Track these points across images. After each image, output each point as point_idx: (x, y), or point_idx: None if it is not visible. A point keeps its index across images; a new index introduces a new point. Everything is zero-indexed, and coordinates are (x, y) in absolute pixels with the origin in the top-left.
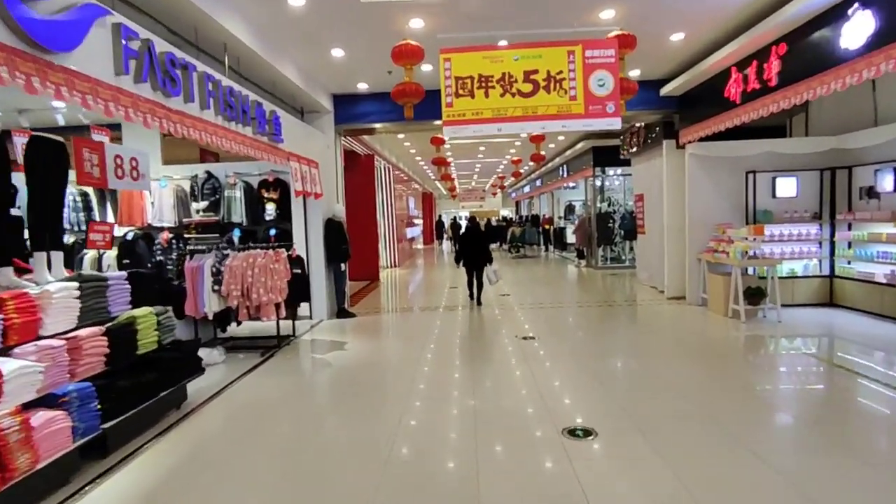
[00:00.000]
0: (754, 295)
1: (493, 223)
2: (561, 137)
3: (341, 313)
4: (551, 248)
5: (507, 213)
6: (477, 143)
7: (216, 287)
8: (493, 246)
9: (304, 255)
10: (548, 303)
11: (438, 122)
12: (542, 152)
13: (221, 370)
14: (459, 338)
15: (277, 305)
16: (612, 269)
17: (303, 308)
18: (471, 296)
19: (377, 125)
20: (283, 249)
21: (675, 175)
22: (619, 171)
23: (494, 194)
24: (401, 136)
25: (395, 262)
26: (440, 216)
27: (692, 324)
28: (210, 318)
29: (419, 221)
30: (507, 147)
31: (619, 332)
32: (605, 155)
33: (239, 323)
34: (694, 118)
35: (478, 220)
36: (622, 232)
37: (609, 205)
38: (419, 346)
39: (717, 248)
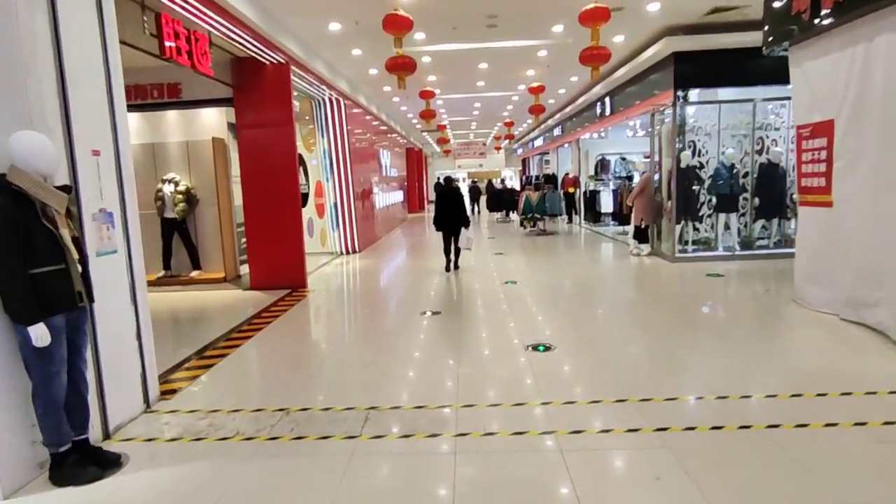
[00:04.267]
0: None
1: (498, 187)
2: (618, 38)
3: (70, 473)
4: (578, 219)
5: (511, 174)
6: (476, 57)
7: None
8: (497, 216)
9: None
10: (669, 404)
11: None
12: (601, 44)
13: None
14: None
15: None
16: (698, 260)
17: None
18: (447, 265)
19: None
20: None
21: None
22: (715, 93)
23: (498, 149)
24: (335, 26)
25: (352, 245)
26: (440, 178)
27: None
28: None
29: (403, 184)
30: (525, 63)
31: None
32: (696, 66)
33: None
34: None
35: (454, 181)
36: (713, 199)
37: (695, 154)
38: None
39: None
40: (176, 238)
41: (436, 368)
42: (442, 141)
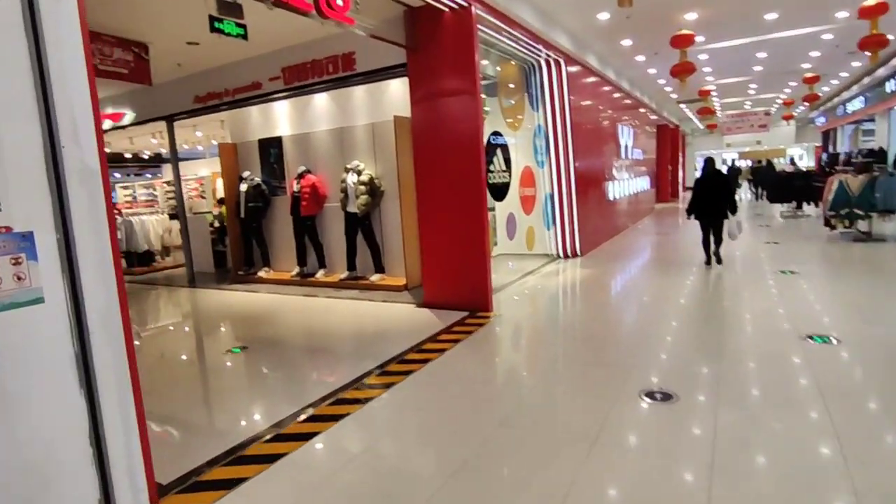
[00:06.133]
0: None
1: (786, 169)
2: None
3: None
4: None
5: (802, 152)
6: None
7: None
8: (782, 209)
9: None
10: None
11: None
12: None
13: None
14: None
15: None
16: None
17: None
18: (707, 259)
19: None
20: None
21: None
22: None
23: (788, 118)
24: None
25: (571, 247)
26: (707, 158)
27: None
28: None
29: (645, 168)
30: None
31: None
32: None
33: None
34: None
35: (720, 163)
36: None
37: None
38: None
39: None
40: (361, 236)
41: None
42: (705, 112)
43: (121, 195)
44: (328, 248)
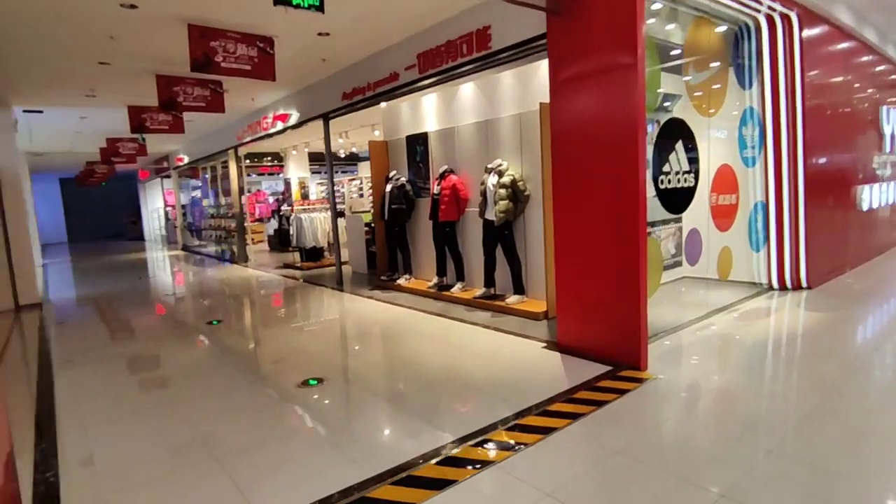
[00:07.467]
0: None
1: None
2: None
3: None
4: None
5: None
6: None
7: None
8: None
9: None
10: None
11: None
12: None
13: None
14: None
15: None
16: None
17: None
18: None
19: None
20: None
21: None
22: None
23: None
24: None
25: (794, 275)
26: None
27: None
28: None
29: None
30: None
31: None
32: None
33: None
34: None
35: None
36: None
37: None
38: None
39: None
40: (500, 249)
41: None
42: None
43: (317, 192)
44: (468, 258)
